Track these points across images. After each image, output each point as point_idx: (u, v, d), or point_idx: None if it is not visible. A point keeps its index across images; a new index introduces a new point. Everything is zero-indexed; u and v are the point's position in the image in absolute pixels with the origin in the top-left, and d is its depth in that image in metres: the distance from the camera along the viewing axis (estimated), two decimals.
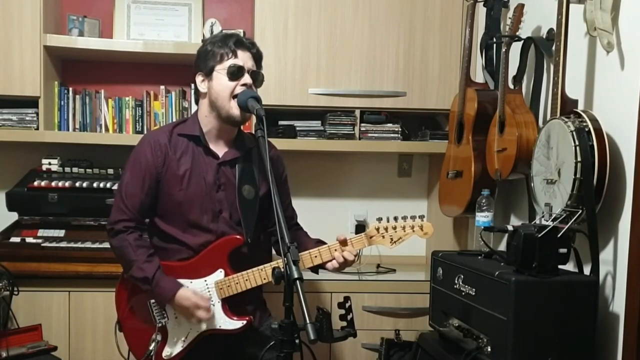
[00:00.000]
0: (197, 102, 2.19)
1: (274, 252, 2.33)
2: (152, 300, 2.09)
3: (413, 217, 2.08)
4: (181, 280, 2.07)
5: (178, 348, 2.09)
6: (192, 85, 2.18)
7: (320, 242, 2.16)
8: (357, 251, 2.08)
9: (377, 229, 2.07)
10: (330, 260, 2.07)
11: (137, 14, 3.07)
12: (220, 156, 2.13)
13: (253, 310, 2.16)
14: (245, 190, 2.12)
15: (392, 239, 2.07)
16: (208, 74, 2.09)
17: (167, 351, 2.09)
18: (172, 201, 2.10)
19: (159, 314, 2.09)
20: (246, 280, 2.05)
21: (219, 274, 2.07)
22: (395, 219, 2.08)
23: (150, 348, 2.06)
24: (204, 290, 2.07)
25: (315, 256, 2.06)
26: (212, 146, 2.14)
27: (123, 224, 2.09)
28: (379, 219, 2.08)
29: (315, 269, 2.15)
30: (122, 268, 2.16)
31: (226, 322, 2.07)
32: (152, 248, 2.12)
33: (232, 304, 2.09)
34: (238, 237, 2.09)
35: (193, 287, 2.07)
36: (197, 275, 2.08)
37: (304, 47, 2.93)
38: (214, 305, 2.06)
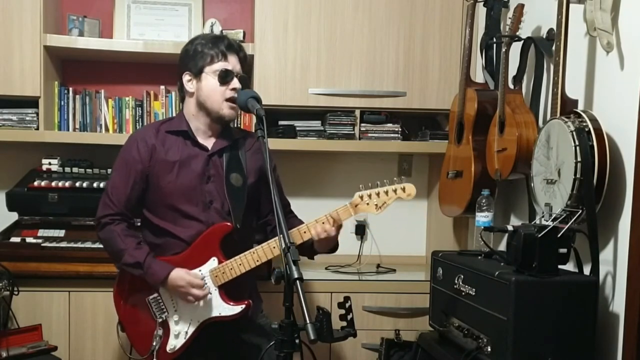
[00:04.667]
0: (182, 100, 2.22)
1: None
2: (151, 297, 2.11)
3: (394, 182, 2.10)
4: None
5: (181, 340, 2.11)
6: (178, 83, 2.21)
7: None
8: (341, 221, 2.09)
9: (361, 197, 2.09)
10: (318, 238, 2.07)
11: (137, 14, 3.07)
12: (209, 148, 2.16)
13: (248, 297, 2.17)
14: (232, 178, 2.14)
15: (377, 205, 2.09)
16: (197, 74, 2.12)
17: (170, 345, 2.11)
18: (162, 194, 2.12)
19: (159, 310, 2.11)
20: (240, 264, 2.07)
21: (213, 262, 2.09)
22: (377, 184, 2.10)
23: (154, 344, 2.08)
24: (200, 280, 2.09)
25: (305, 232, 2.07)
26: (200, 139, 2.17)
27: (109, 217, 2.13)
28: (362, 187, 2.11)
29: (310, 254, 2.17)
30: (112, 262, 2.17)
31: (225, 309, 2.09)
32: (140, 237, 2.15)
33: (228, 291, 2.11)
34: (227, 223, 2.10)
35: None
36: (191, 266, 2.10)
37: (304, 47, 2.93)
38: (210, 293, 2.08)
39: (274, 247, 2.04)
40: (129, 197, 2.13)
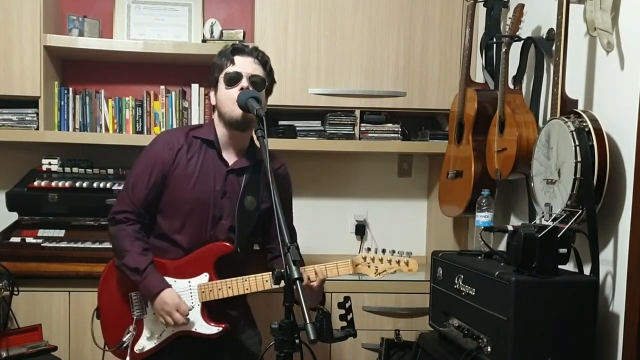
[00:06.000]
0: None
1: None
2: (134, 293, 2.11)
3: (400, 253, 2.12)
4: (165, 278, 2.08)
5: (151, 344, 2.11)
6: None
7: None
8: (323, 277, 2.07)
9: (364, 258, 2.12)
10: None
11: (137, 14, 3.06)
12: (230, 164, 2.15)
13: (237, 317, 2.17)
14: (247, 200, 2.13)
15: (376, 270, 2.12)
16: (214, 86, 2.14)
17: (140, 345, 2.11)
18: (176, 200, 2.11)
19: (138, 308, 2.11)
20: (229, 287, 2.07)
21: (203, 278, 2.09)
22: (384, 251, 2.12)
23: (124, 339, 2.08)
24: (186, 291, 2.09)
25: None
26: (223, 153, 2.16)
27: (124, 214, 2.13)
28: (368, 249, 2.13)
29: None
30: (114, 256, 2.16)
31: (202, 326, 2.08)
32: (148, 244, 2.14)
33: (212, 309, 2.10)
34: (228, 244, 2.10)
35: (176, 286, 2.08)
36: (182, 275, 2.10)
37: (304, 47, 2.93)
38: (193, 308, 2.07)
39: (267, 281, 2.04)
40: (147, 197, 2.12)
